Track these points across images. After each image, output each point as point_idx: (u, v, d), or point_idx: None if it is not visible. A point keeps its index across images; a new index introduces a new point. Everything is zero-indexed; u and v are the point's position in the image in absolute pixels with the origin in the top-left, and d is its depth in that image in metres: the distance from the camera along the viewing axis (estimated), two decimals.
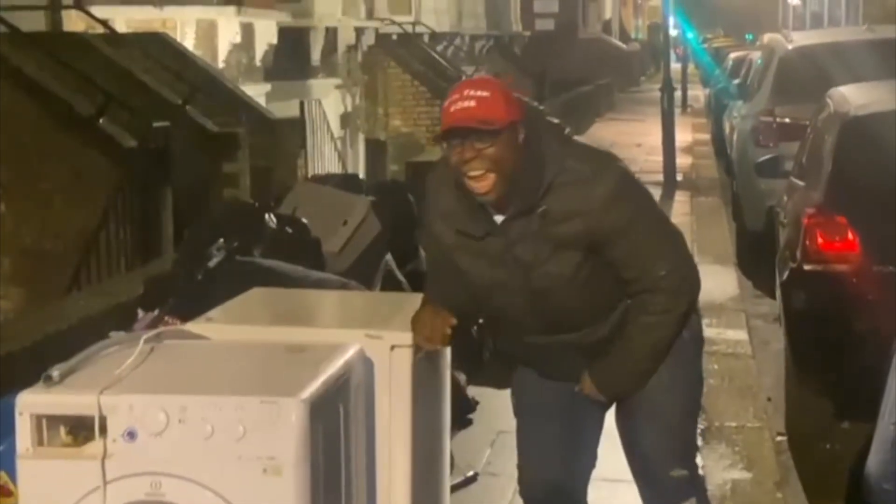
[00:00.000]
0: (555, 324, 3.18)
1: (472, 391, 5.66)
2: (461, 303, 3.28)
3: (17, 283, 7.71)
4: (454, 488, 4.38)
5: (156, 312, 4.32)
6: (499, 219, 3.09)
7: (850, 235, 5.34)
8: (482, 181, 2.99)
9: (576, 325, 3.18)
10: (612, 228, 3.04)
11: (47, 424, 2.82)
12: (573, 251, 3.07)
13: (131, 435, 2.76)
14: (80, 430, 2.82)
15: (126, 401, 2.77)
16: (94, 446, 2.77)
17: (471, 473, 4.85)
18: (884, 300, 5.06)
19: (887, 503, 2.90)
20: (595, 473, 3.51)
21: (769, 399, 6.05)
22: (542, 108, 3.21)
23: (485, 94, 2.97)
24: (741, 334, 7.11)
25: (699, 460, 3.46)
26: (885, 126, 5.80)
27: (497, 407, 5.66)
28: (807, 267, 5.46)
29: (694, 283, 3.20)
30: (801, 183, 6.51)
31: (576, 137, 3.22)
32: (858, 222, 5.34)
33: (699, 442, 5.29)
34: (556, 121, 3.21)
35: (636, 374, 3.21)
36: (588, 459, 3.46)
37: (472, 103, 2.96)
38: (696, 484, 3.39)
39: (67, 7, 10.27)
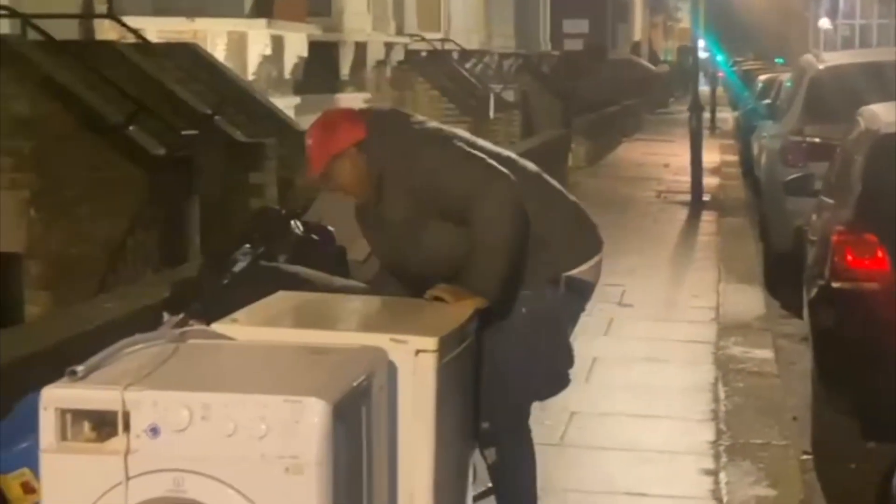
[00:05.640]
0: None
1: None
2: None
3: (45, 288, 7.74)
4: (476, 498, 4.35)
5: (181, 316, 4.31)
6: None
7: (879, 253, 5.30)
8: (344, 197, 3.77)
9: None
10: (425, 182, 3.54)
11: (71, 420, 2.82)
12: (406, 224, 3.62)
13: (154, 431, 2.76)
14: (104, 426, 2.82)
15: (150, 397, 2.77)
16: (118, 442, 2.77)
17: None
18: None
19: None
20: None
21: (795, 418, 6.00)
22: (388, 111, 3.86)
23: (308, 141, 3.66)
24: (767, 353, 7.06)
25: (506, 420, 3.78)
26: None
27: None
28: (835, 285, 5.41)
29: (502, 188, 3.52)
30: (830, 201, 6.47)
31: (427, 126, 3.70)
32: (888, 240, 5.29)
33: (718, 454, 5.27)
34: (404, 117, 3.74)
35: (490, 273, 3.54)
36: None
37: (307, 151, 3.67)
38: (502, 437, 3.76)
39: (100, 16, 10.36)
